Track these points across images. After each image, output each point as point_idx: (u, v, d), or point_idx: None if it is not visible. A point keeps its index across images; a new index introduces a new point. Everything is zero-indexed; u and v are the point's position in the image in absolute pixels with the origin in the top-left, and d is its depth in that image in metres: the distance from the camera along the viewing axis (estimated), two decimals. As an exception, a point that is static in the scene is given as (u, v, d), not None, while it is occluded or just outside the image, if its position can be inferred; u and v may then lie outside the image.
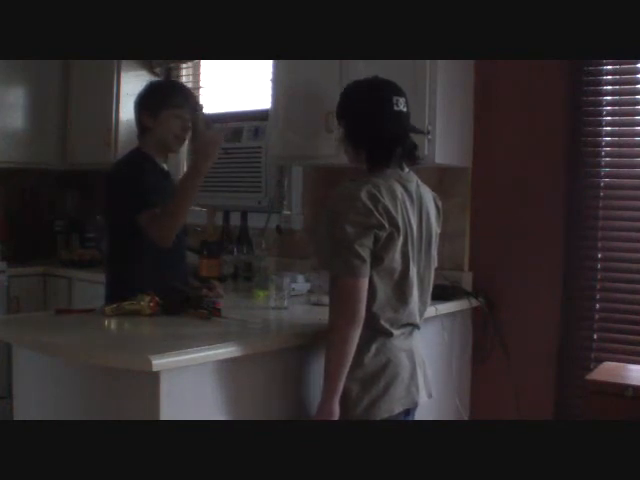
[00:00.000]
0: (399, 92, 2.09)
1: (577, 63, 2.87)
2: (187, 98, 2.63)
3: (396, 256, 2.01)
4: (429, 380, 2.20)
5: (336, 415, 1.98)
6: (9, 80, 4.13)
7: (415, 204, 2.09)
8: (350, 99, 2.14)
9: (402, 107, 2.07)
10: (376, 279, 2.00)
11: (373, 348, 2.04)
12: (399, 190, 2.04)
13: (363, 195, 1.96)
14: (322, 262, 2.09)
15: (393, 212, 1.99)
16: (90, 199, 4.54)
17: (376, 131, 2.08)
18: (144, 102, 2.61)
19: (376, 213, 1.95)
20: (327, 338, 2.00)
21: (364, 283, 1.97)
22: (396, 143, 2.08)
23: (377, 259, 1.99)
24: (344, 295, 1.97)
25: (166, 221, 2.38)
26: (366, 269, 1.97)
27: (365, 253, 1.95)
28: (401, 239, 2.01)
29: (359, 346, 2.00)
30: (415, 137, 2.15)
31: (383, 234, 1.97)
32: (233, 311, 2.38)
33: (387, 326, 2.05)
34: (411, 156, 2.12)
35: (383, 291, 2.02)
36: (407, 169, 2.13)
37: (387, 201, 1.98)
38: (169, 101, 2.56)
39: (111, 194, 2.57)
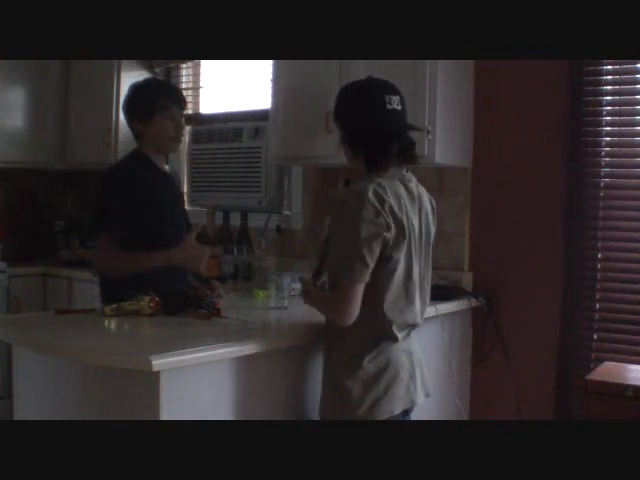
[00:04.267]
0: (391, 90, 2.07)
1: (577, 63, 2.86)
2: (174, 96, 2.62)
3: (401, 256, 2.01)
4: (427, 379, 2.20)
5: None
6: (9, 80, 4.13)
7: (416, 204, 2.09)
8: (342, 102, 2.13)
9: (395, 105, 2.04)
10: (384, 280, 1.99)
11: (374, 350, 2.04)
12: (401, 189, 2.04)
13: (370, 195, 1.94)
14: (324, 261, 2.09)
15: (398, 212, 1.98)
16: (90, 199, 4.53)
17: (369, 131, 2.06)
18: (132, 109, 2.60)
19: (383, 213, 1.94)
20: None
21: (361, 288, 1.96)
22: (390, 142, 2.06)
23: (384, 260, 1.98)
24: (343, 295, 1.97)
25: (114, 267, 2.47)
26: (367, 274, 1.95)
27: (370, 258, 1.94)
28: (406, 239, 2.01)
29: (360, 347, 2.01)
30: (415, 136, 2.13)
31: (390, 235, 1.96)
32: (233, 311, 2.38)
33: (396, 331, 2.04)
34: (408, 154, 2.10)
35: (390, 292, 2.01)
36: (405, 169, 2.12)
37: (392, 201, 1.98)
38: (157, 105, 2.53)
39: (103, 198, 2.61)
